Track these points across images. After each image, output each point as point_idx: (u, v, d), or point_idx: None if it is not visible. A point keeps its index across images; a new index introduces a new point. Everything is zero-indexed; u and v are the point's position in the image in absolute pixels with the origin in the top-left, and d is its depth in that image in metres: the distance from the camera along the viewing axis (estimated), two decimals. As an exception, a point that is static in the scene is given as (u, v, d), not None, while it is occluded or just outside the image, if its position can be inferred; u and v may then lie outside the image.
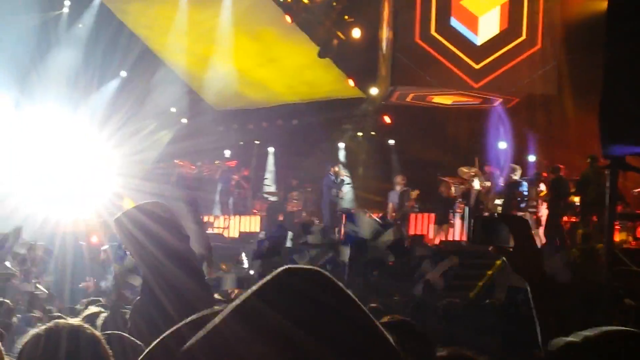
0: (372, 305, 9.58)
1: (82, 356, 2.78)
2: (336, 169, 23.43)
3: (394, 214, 22.24)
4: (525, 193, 20.10)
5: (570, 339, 1.89)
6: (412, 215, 23.08)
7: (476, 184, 21.31)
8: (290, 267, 1.25)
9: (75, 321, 3.08)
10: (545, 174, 20.93)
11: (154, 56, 27.15)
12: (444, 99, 24.93)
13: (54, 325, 2.89)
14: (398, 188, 22.78)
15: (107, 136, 24.06)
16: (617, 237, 17.02)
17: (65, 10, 27.43)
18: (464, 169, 22.52)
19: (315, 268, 1.26)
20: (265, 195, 26.88)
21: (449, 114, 25.83)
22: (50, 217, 20.29)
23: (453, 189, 22.02)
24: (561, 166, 20.41)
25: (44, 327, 2.89)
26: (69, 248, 18.91)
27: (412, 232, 22.66)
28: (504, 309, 9.03)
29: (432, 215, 22.42)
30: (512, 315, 8.88)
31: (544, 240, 19.74)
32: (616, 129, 7.77)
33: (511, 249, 2.74)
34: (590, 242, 15.89)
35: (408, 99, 25.18)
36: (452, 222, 21.99)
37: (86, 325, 2.95)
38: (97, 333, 2.94)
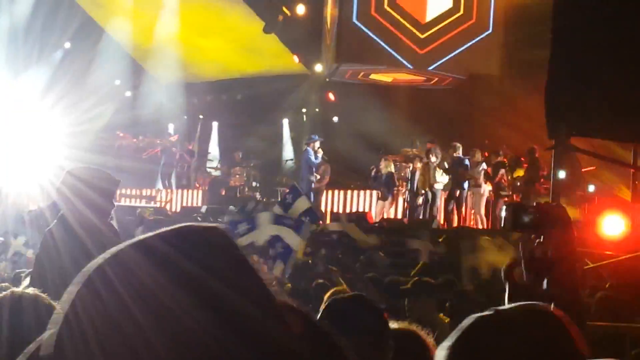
0: (319, 281, 9.63)
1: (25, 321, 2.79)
2: (316, 145, 23.13)
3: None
4: (469, 171, 20.27)
5: (482, 313, 1.87)
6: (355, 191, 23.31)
7: (417, 164, 21.41)
8: (193, 224, 1.23)
9: (30, 290, 3.07)
10: (487, 154, 21.15)
11: (97, 27, 26.78)
12: (386, 77, 25.01)
13: (9, 293, 2.89)
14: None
15: (50, 107, 23.75)
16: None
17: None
18: (407, 149, 22.73)
19: (219, 226, 1.23)
20: (209, 170, 26.79)
21: (393, 93, 25.94)
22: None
23: (392, 166, 22.12)
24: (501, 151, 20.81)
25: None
26: (9, 218, 18.68)
27: (354, 208, 22.87)
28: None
29: (375, 192, 22.56)
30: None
31: (484, 220, 20.01)
32: (562, 111, 7.88)
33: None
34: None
35: (351, 76, 25.25)
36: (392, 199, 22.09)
37: (36, 294, 2.95)
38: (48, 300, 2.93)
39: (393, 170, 22.08)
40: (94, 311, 1.12)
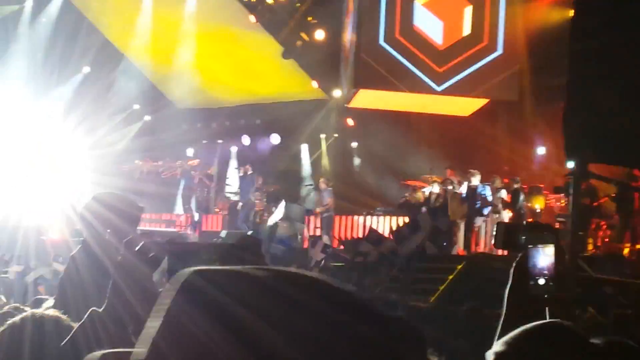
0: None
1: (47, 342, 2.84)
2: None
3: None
4: (488, 198, 20.22)
5: (497, 349, 1.92)
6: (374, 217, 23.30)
7: (436, 189, 21.40)
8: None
9: (51, 312, 3.13)
10: (506, 180, 21.11)
11: (117, 52, 26.98)
12: (406, 104, 25.00)
13: (30, 314, 2.95)
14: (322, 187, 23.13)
15: (70, 131, 23.91)
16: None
17: (28, 3, 27.13)
18: (426, 175, 22.74)
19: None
20: (228, 195, 26.82)
21: (412, 119, 25.96)
22: (13, 212, 20.12)
23: (420, 193, 22.16)
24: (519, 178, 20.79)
25: (20, 316, 2.94)
26: (31, 242, 18.75)
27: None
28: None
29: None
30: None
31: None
32: (580, 137, 7.90)
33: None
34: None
35: (370, 102, 25.25)
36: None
37: (57, 315, 3.01)
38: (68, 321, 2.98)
39: (421, 197, 22.14)
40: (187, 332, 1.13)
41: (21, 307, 5.03)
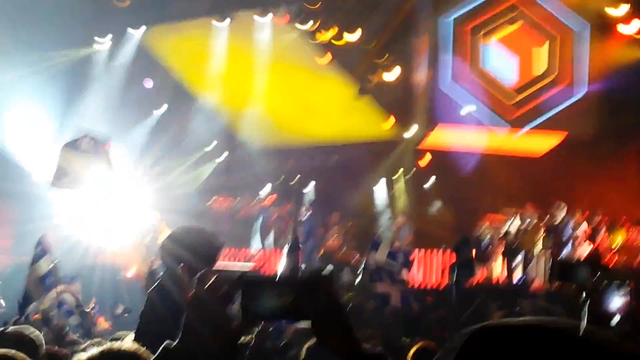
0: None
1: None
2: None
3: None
4: (571, 232, 19.96)
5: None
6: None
7: (515, 223, 21.15)
8: None
9: (129, 345, 3.15)
10: (587, 213, 20.84)
11: (191, 92, 27.33)
12: (481, 143, 24.82)
13: (107, 348, 2.96)
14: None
15: (147, 170, 24.22)
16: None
17: (105, 45, 27.65)
18: (507, 209, 22.47)
19: None
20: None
21: (486, 158, 25.78)
22: (89, 250, 20.45)
23: (487, 228, 21.96)
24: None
25: (99, 349, 2.96)
26: (108, 280, 19.02)
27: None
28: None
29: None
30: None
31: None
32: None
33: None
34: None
35: (444, 141, 25.15)
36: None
37: (142, 349, 3.03)
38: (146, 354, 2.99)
39: (487, 231, 21.94)
40: None
41: (103, 341, 5.08)
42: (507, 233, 21.25)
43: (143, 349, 2.97)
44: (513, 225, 21.24)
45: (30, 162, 24.08)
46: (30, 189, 22.50)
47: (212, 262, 4.88)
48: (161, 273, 5.08)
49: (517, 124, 23.64)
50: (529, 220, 20.82)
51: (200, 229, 5.23)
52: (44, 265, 12.59)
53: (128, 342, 3.12)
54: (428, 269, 23.20)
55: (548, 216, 20.53)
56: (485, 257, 21.45)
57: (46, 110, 23.85)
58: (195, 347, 2.45)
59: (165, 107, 27.50)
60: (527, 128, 23.51)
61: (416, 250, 22.64)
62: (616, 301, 2.66)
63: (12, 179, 23.14)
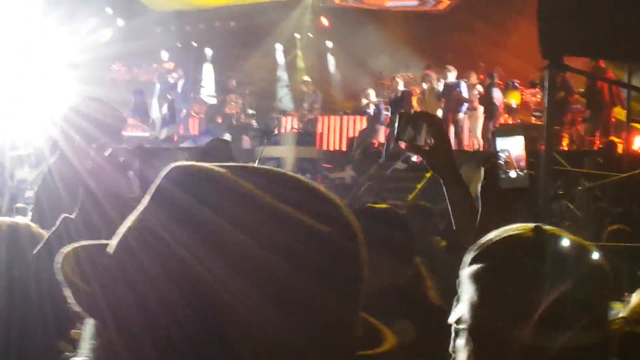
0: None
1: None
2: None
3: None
4: (464, 95, 20.17)
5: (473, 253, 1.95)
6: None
7: (400, 86, 21.17)
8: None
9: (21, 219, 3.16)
10: (482, 77, 21.09)
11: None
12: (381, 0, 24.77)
13: (5, 220, 2.99)
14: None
15: (41, 38, 23.50)
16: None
17: None
18: (402, 74, 22.58)
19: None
20: (203, 98, 26.68)
21: (387, 17, 25.74)
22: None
23: (373, 93, 22.16)
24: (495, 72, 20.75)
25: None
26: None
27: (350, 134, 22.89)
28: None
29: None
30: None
31: (482, 143, 19.96)
32: (555, 30, 7.86)
33: (426, 148, 2.86)
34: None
35: (345, 1, 25.01)
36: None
37: (28, 222, 3.05)
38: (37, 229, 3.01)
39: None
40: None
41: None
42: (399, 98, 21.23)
43: (35, 225, 2.99)
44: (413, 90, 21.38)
45: None
46: None
47: (116, 135, 4.71)
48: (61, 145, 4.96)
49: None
50: (426, 84, 20.98)
51: (102, 100, 5.00)
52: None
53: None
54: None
55: (442, 80, 20.69)
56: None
57: None
58: (93, 216, 2.45)
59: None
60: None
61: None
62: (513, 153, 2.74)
63: None
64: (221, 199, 1.10)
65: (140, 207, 1.14)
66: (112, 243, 1.14)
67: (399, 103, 19.91)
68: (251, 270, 1.06)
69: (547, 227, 1.95)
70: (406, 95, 20.73)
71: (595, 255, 1.91)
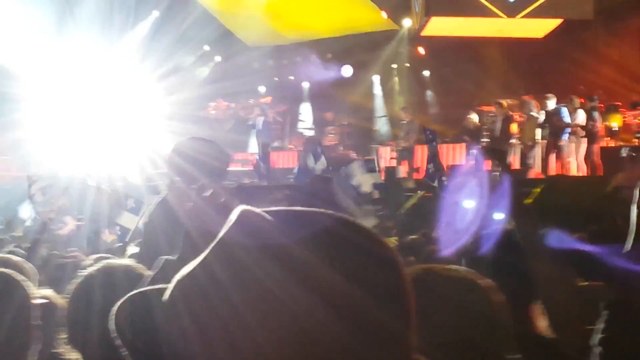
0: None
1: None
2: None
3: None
4: (566, 120, 19.83)
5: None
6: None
7: (516, 116, 21.05)
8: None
9: (125, 260, 3.20)
10: (582, 100, 20.73)
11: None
12: (479, 30, 24.57)
13: (106, 265, 3.02)
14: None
15: (142, 80, 23.97)
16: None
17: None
18: (501, 100, 22.37)
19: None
20: (301, 130, 26.84)
21: (482, 46, 25.57)
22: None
23: (477, 118, 21.94)
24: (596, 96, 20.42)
25: (96, 266, 3.02)
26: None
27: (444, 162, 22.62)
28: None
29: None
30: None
31: (585, 168, 19.60)
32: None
33: None
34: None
35: (442, 30, 24.90)
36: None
37: (136, 264, 3.08)
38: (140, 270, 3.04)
39: (478, 121, 21.92)
40: None
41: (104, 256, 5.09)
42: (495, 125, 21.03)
43: (138, 264, 3.02)
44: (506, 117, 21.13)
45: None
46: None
47: (220, 175, 4.65)
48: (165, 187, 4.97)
49: (513, 9, 23.32)
50: (525, 111, 20.76)
51: (207, 140, 4.87)
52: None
53: (125, 258, 3.18)
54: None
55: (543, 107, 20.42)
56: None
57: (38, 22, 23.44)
58: (192, 257, 2.48)
59: (158, 11, 26.99)
60: (524, 12, 23.13)
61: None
62: None
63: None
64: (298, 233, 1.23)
65: (203, 255, 1.23)
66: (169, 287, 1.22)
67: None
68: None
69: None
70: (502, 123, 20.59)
71: None
